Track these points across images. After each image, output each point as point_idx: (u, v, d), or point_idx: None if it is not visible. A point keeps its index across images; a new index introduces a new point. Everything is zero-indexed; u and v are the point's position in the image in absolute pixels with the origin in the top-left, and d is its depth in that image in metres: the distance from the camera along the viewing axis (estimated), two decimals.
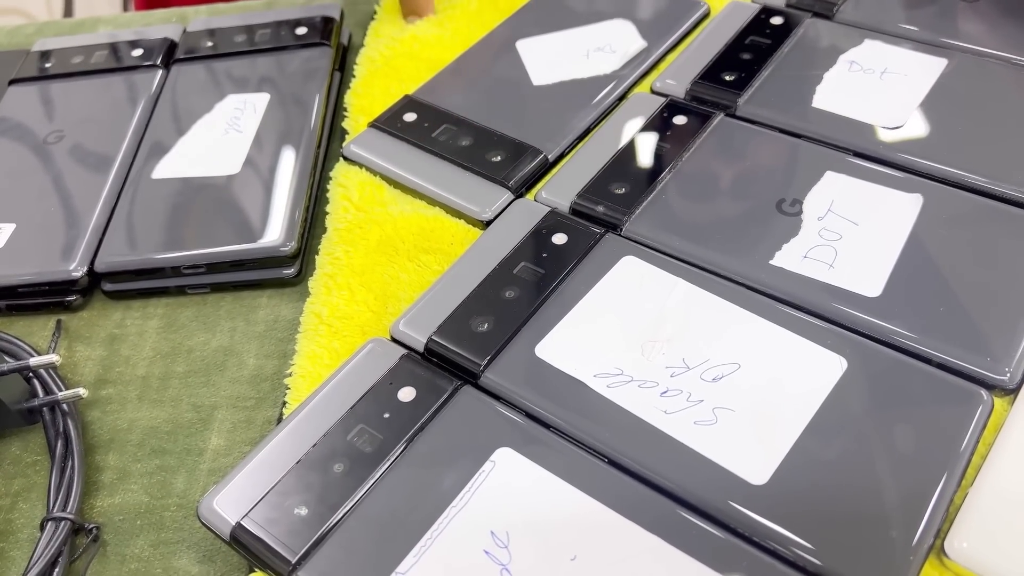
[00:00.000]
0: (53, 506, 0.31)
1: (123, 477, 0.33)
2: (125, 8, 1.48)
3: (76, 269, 0.38)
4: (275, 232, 0.38)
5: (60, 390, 0.34)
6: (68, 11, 1.47)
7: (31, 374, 0.35)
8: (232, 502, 0.29)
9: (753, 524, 0.27)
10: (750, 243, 0.35)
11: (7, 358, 0.34)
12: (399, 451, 0.30)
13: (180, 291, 0.39)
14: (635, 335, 0.32)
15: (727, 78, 0.42)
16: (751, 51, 0.43)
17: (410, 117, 0.42)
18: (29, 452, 0.34)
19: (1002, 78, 0.40)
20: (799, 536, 0.26)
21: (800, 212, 0.35)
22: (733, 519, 0.27)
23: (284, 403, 0.33)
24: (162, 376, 0.36)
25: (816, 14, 0.45)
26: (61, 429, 0.34)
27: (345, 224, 0.38)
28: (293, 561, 0.27)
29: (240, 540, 0.28)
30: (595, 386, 0.31)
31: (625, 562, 0.26)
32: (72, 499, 0.31)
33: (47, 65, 0.49)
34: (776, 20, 0.44)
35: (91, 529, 0.31)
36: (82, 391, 0.34)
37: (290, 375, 0.34)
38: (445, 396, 0.31)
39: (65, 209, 0.41)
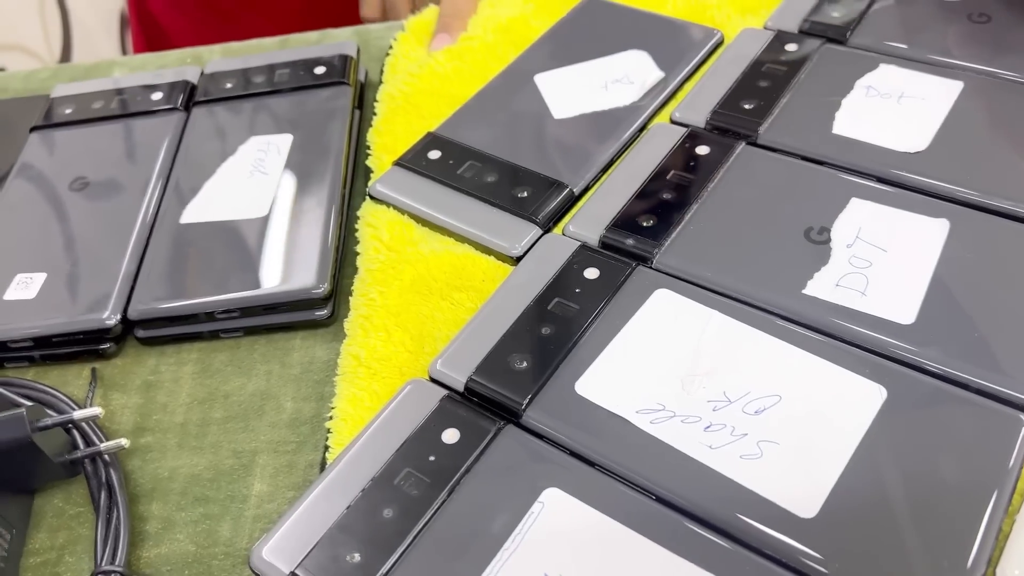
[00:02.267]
0: (101, 559, 0.31)
1: (168, 526, 0.33)
2: (123, 43, 1.49)
3: (109, 317, 0.38)
4: (308, 274, 0.38)
5: (101, 440, 0.34)
6: (66, 47, 1.48)
7: (71, 426, 0.35)
8: (284, 551, 0.29)
9: (805, 558, 0.27)
10: (781, 273, 0.35)
11: (48, 411, 0.34)
12: (447, 494, 0.30)
13: (213, 335, 0.39)
14: (674, 369, 0.32)
15: (746, 106, 0.42)
16: (768, 79, 0.43)
17: (434, 154, 0.43)
18: (71, 504, 0.34)
19: (1018, 99, 0.40)
20: (851, 569, 0.26)
21: (828, 240, 0.36)
22: (785, 554, 0.27)
23: (327, 447, 0.33)
24: (200, 422, 0.36)
25: (829, 40, 0.45)
26: (104, 479, 0.34)
27: (378, 264, 0.38)
28: None
29: None
30: (638, 423, 0.31)
31: None
32: (120, 551, 0.31)
33: (67, 111, 0.49)
34: (790, 47, 0.45)
35: None
36: (124, 442, 0.34)
37: (331, 418, 0.34)
38: (489, 437, 0.31)
39: (94, 256, 0.41)
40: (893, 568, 0.26)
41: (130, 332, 0.40)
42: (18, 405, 0.35)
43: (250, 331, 0.39)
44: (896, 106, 0.41)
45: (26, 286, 0.40)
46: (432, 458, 0.31)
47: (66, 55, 1.47)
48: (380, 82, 0.50)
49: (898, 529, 0.27)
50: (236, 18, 1.17)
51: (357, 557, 0.28)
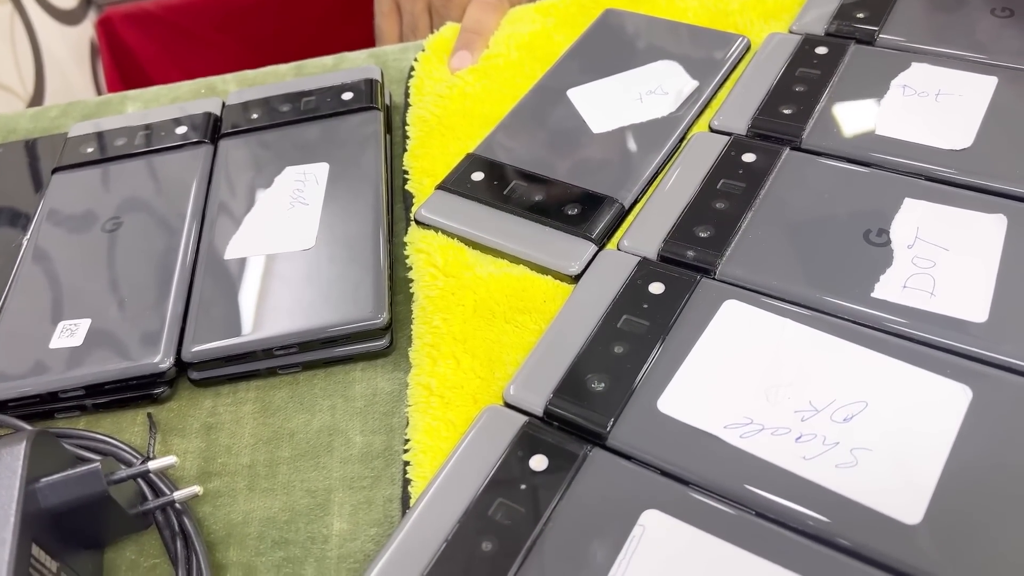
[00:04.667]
0: None
1: (249, 573, 0.32)
2: (95, 72, 1.46)
3: (163, 361, 0.37)
4: (366, 305, 0.37)
5: (172, 489, 0.34)
6: (39, 79, 1.45)
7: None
8: None
9: (916, 564, 0.27)
10: (847, 277, 0.35)
11: (119, 464, 0.34)
12: (544, 523, 0.29)
13: (270, 372, 0.38)
14: (755, 381, 0.32)
15: (785, 111, 0.42)
16: (803, 83, 0.44)
17: (478, 176, 0.42)
18: (145, 556, 0.33)
19: None
20: (966, 573, 0.26)
21: (888, 242, 0.36)
22: (895, 561, 0.27)
23: (408, 480, 0.33)
24: (268, 463, 0.35)
25: (858, 41, 0.46)
26: (178, 528, 0.33)
27: (437, 291, 0.38)
28: None
29: None
30: (727, 438, 0.31)
31: None
32: None
33: (88, 150, 0.48)
34: (821, 50, 0.45)
35: None
36: (198, 489, 0.33)
37: (407, 451, 0.33)
38: (578, 462, 0.31)
39: (138, 298, 0.40)
40: (1008, 570, 0.26)
41: (182, 374, 0.39)
42: (83, 459, 0.34)
43: (307, 366, 0.38)
44: (934, 104, 0.41)
45: (71, 333, 0.39)
46: (523, 486, 0.30)
47: (39, 87, 1.45)
48: (404, 104, 0.49)
49: (1006, 530, 0.27)
50: (207, 42, 1.16)
51: None
